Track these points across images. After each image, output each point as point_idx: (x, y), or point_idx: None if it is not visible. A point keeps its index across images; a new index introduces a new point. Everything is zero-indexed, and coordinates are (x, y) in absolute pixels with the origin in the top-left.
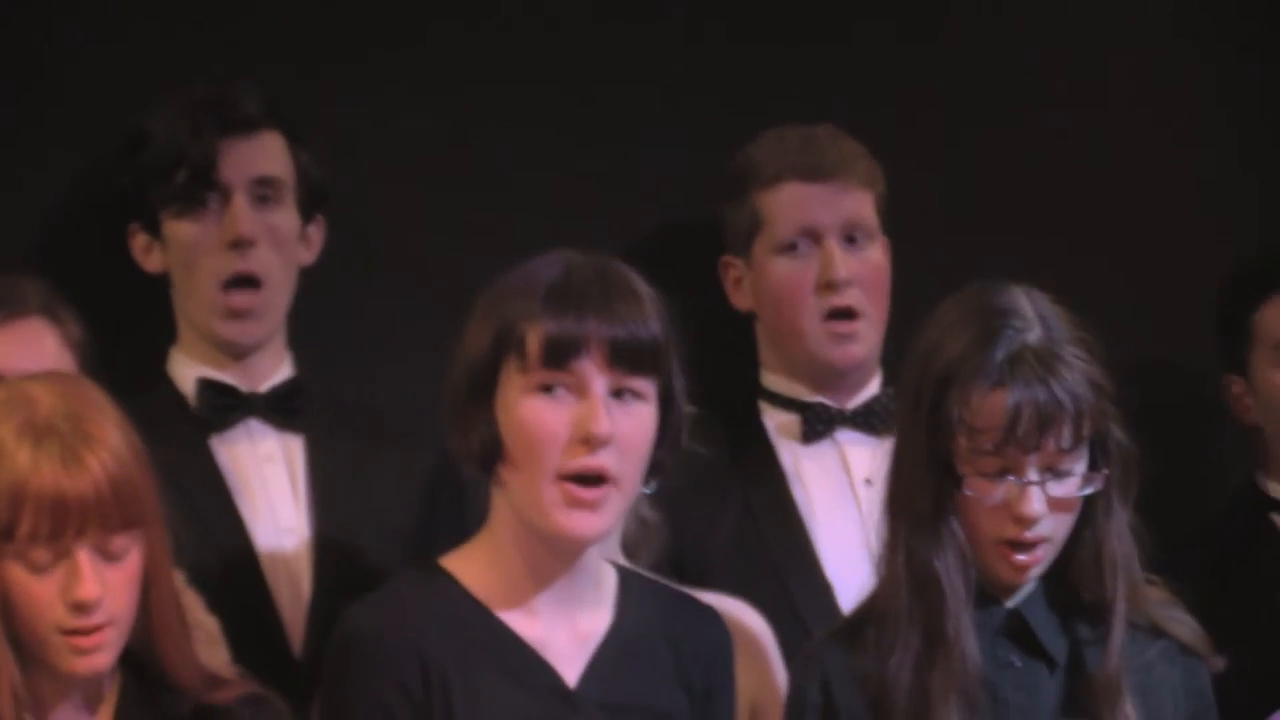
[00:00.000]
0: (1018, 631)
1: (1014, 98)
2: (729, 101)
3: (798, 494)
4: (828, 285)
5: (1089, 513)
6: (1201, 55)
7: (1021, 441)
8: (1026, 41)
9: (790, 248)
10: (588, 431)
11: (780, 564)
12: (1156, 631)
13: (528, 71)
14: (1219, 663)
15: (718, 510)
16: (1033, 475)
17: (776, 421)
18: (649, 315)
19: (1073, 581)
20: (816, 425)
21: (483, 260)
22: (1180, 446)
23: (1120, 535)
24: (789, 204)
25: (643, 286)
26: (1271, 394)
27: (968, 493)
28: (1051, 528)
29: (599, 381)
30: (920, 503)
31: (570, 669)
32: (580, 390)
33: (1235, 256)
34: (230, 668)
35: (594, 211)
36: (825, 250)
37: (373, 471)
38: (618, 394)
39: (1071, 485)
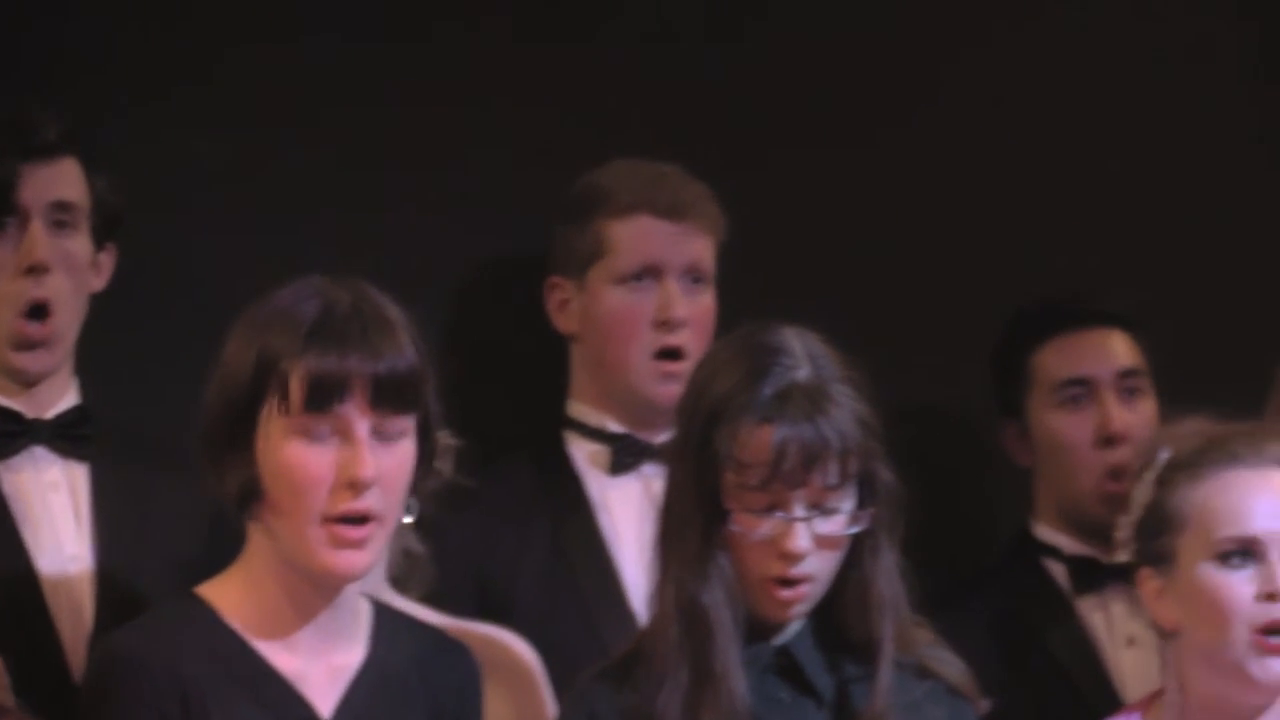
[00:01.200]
0: (786, 669)
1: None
2: (530, 122)
3: (604, 525)
4: (664, 323)
5: (856, 552)
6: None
7: (787, 477)
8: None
9: (632, 279)
10: (353, 476)
11: (586, 594)
12: (924, 672)
13: (318, 94)
14: (985, 704)
15: (525, 539)
16: (799, 511)
17: (584, 451)
18: (405, 346)
19: (840, 620)
20: (625, 457)
21: (272, 286)
22: (956, 490)
23: (888, 576)
24: (639, 237)
25: (396, 314)
26: (1046, 438)
27: (734, 528)
28: (817, 566)
29: (362, 424)
30: (689, 539)
31: (325, 702)
32: (343, 433)
33: (1015, 303)
34: (6, 694)
35: (390, 234)
36: (666, 288)
37: (157, 498)
38: (378, 432)
39: (838, 523)
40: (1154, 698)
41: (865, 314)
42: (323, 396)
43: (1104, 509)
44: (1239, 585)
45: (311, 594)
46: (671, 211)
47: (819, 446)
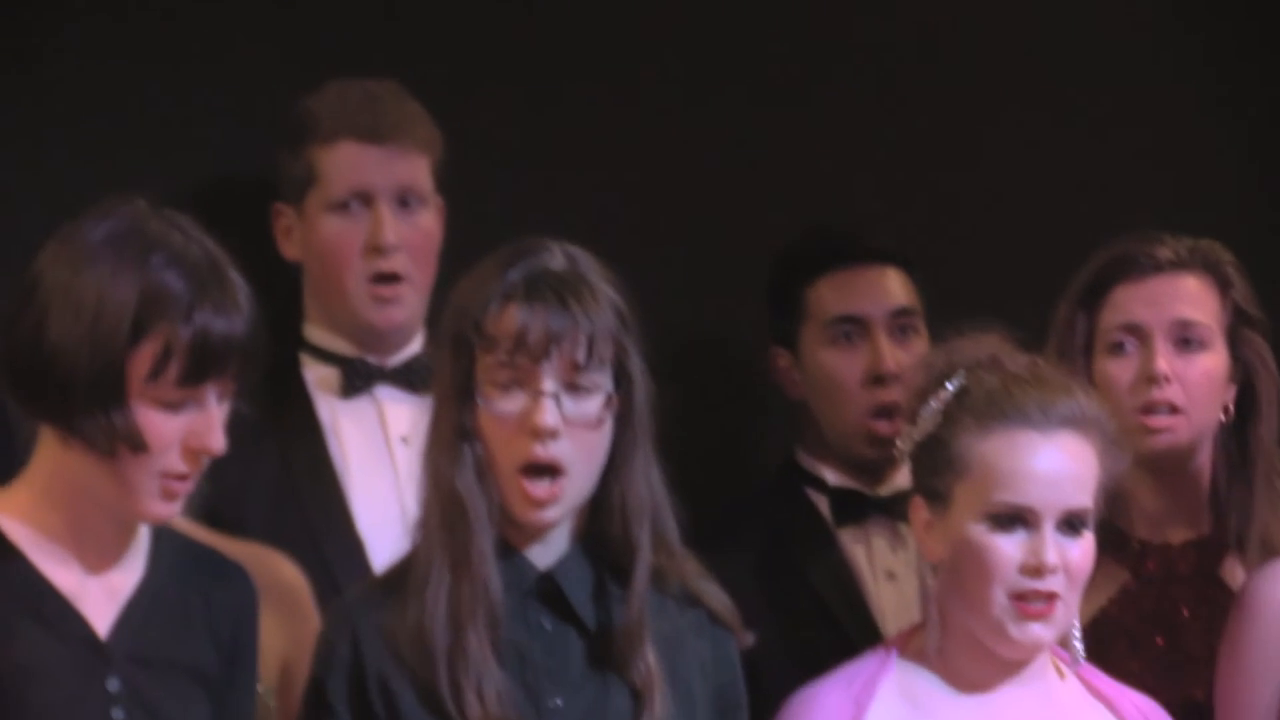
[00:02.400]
0: (549, 594)
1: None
2: (284, 51)
3: (334, 450)
4: (375, 249)
5: (615, 461)
6: None
7: (532, 349)
8: None
9: (342, 206)
10: (203, 444)
11: (313, 519)
12: (689, 601)
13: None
14: (748, 637)
15: (254, 463)
16: (547, 386)
17: (316, 375)
18: None
19: (603, 537)
20: (355, 381)
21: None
22: (728, 419)
23: (647, 480)
24: (344, 164)
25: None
26: (816, 373)
27: (482, 404)
28: (570, 454)
29: (212, 395)
30: (445, 424)
31: (101, 621)
32: (199, 401)
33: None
34: None
35: (143, 157)
36: (375, 213)
37: None
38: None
39: (590, 405)
40: (912, 632)
41: (641, 240)
42: (202, 366)
43: (870, 447)
44: (1006, 549)
45: (93, 514)
46: (375, 135)
47: (567, 323)
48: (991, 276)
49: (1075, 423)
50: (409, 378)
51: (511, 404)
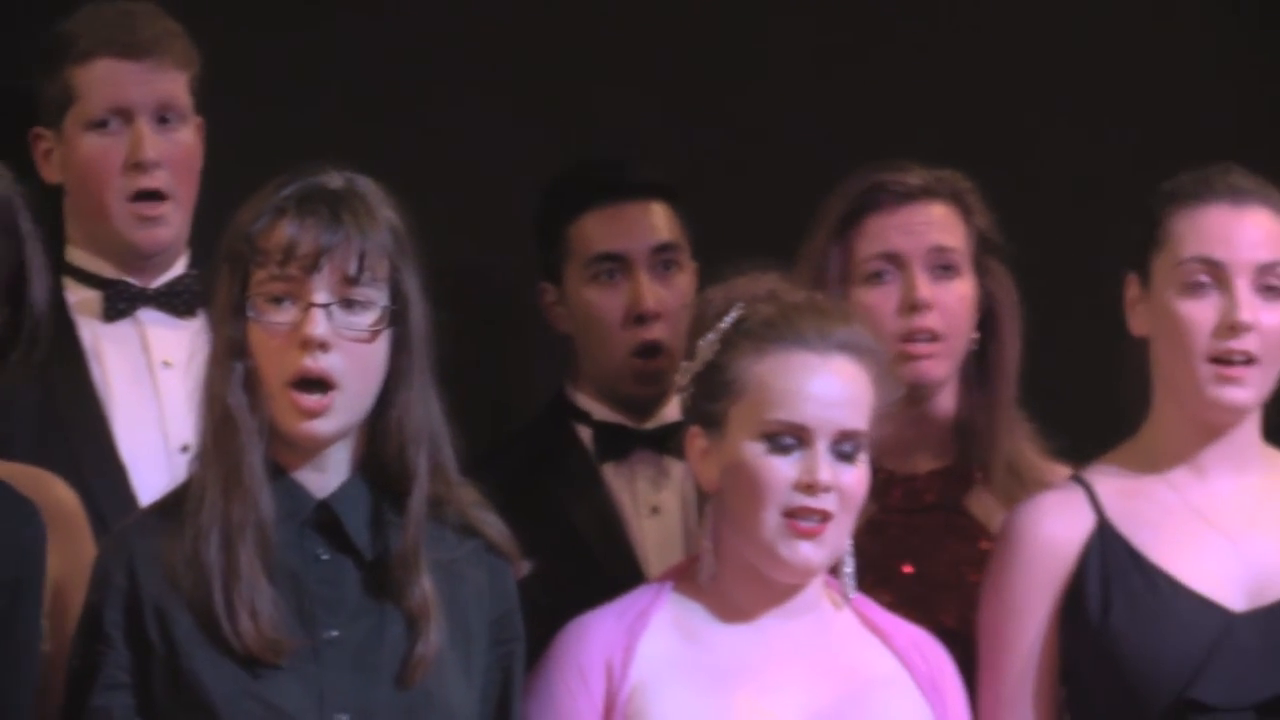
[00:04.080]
0: (325, 524)
1: None
2: None
3: (95, 373)
4: (136, 166)
5: (391, 386)
6: None
7: (303, 260)
8: None
9: (101, 124)
10: None
11: (75, 446)
12: (467, 531)
13: None
14: (525, 566)
15: (15, 387)
16: (318, 298)
17: (78, 298)
18: None
19: (379, 459)
20: (118, 304)
21: None
22: (499, 353)
23: (426, 407)
24: (101, 81)
25: None
26: (582, 306)
27: (252, 316)
28: (342, 369)
29: None
30: (218, 342)
31: None
32: None
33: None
34: None
35: None
36: (135, 130)
37: None
38: None
39: (362, 319)
40: (688, 564)
41: (418, 171)
42: None
43: (635, 384)
44: (780, 468)
45: None
46: (131, 50)
47: (338, 236)
48: (760, 205)
49: (852, 349)
50: (172, 301)
51: (282, 316)
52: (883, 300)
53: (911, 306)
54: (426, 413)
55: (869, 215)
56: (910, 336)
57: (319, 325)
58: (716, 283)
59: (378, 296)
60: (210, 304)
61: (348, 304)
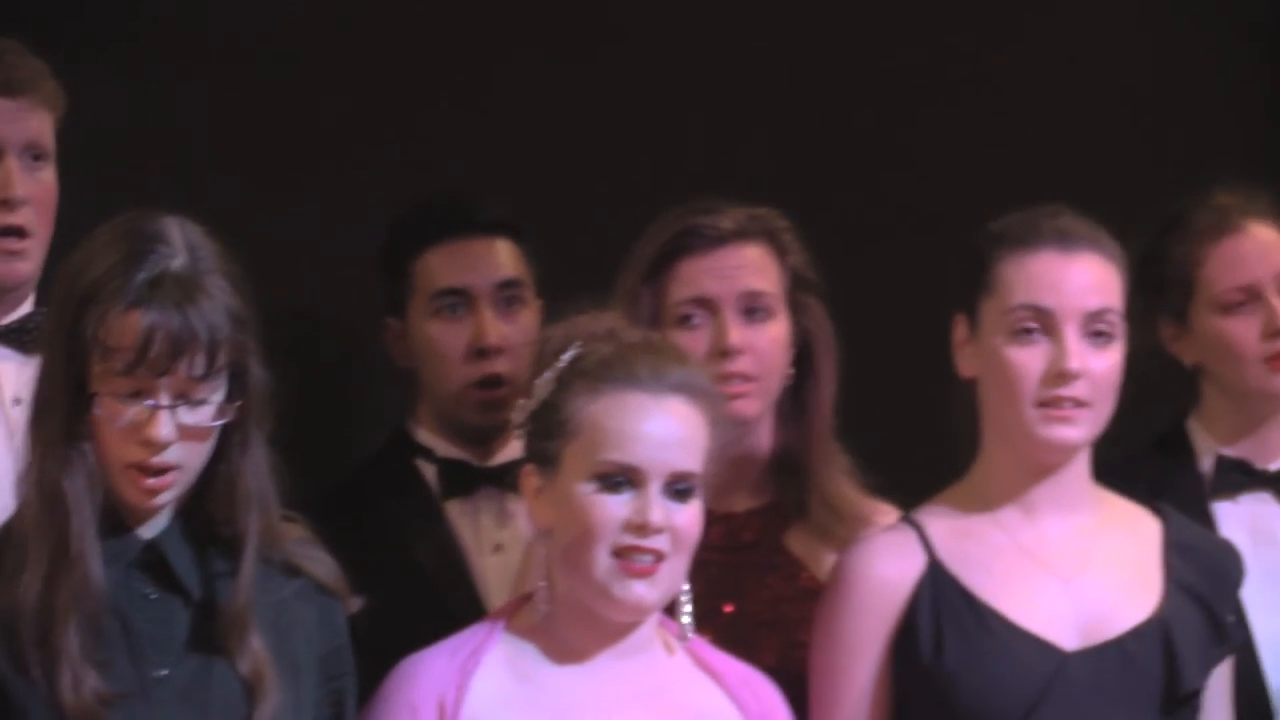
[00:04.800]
0: (153, 564)
1: None
2: None
3: None
4: (3, 203)
5: (225, 445)
6: None
7: (153, 364)
8: None
9: None
10: None
11: None
12: (293, 570)
13: None
14: (356, 602)
15: None
16: (164, 400)
17: None
18: None
19: (209, 514)
20: None
21: None
22: (336, 390)
23: (256, 470)
24: None
25: None
26: (423, 344)
27: (98, 413)
28: (183, 455)
29: None
30: (53, 422)
31: None
32: None
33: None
34: None
35: None
36: (5, 167)
37: None
38: None
39: (205, 414)
40: (520, 603)
41: (258, 207)
42: None
43: (476, 414)
44: (611, 508)
45: None
46: (7, 88)
47: (187, 336)
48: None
49: (686, 390)
50: (21, 338)
51: (128, 414)
52: (693, 344)
53: (722, 352)
54: (258, 476)
55: (681, 259)
56: (722, 380)
57: (164, 429)
58: (558, 321)
59: (220, 385)
60: (42, 375)
61: (190, 400)
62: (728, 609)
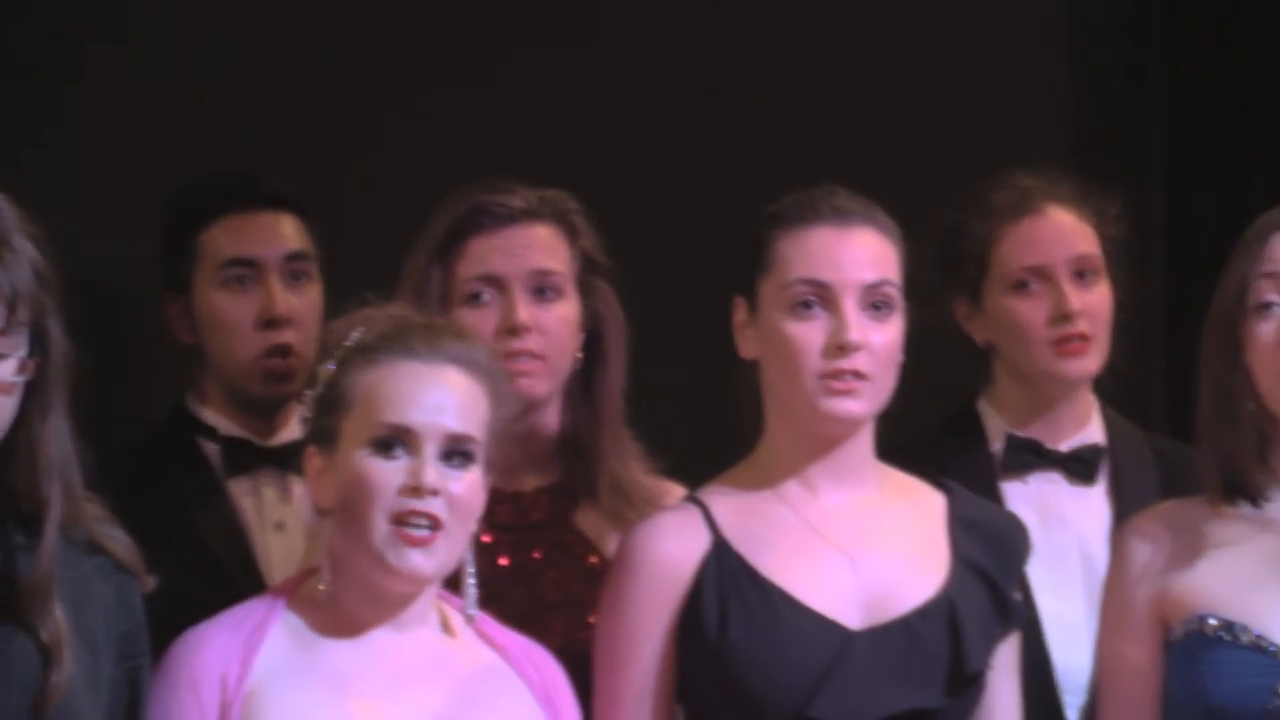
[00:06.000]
0: None
1: None
2: None
3: None
4: None
5: (26, 413)
6: None
7: None
8: None
9: None
10: None
11: None
12: (93, 547)
13: None
14: (151, 581)
15: None
16: None
17: None
18: None
19: (11, 485)
20: None
21: None
22: (123, 365)
23: (57, 439)
24: None
25: None
26: (210, 317)
27: None
28: None
29: None
30: None
31: None
32: None
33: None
34: None
35: None
36: None
37: None
38: None
39: (6, 369)
40: (303, 577)
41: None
42: None
43: (264, 384)
44: (387, 472)
45: None
46: None
47: None
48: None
49: (463, 361)
50: None
51: None
52: (482, 322)
53: (510, 329)
54: (60, 444)
55: (471, 237)
56: (509, 358)
57: None
58: (339, 304)
59: (20, 343)
60: None
61: None
62: (517, 589)
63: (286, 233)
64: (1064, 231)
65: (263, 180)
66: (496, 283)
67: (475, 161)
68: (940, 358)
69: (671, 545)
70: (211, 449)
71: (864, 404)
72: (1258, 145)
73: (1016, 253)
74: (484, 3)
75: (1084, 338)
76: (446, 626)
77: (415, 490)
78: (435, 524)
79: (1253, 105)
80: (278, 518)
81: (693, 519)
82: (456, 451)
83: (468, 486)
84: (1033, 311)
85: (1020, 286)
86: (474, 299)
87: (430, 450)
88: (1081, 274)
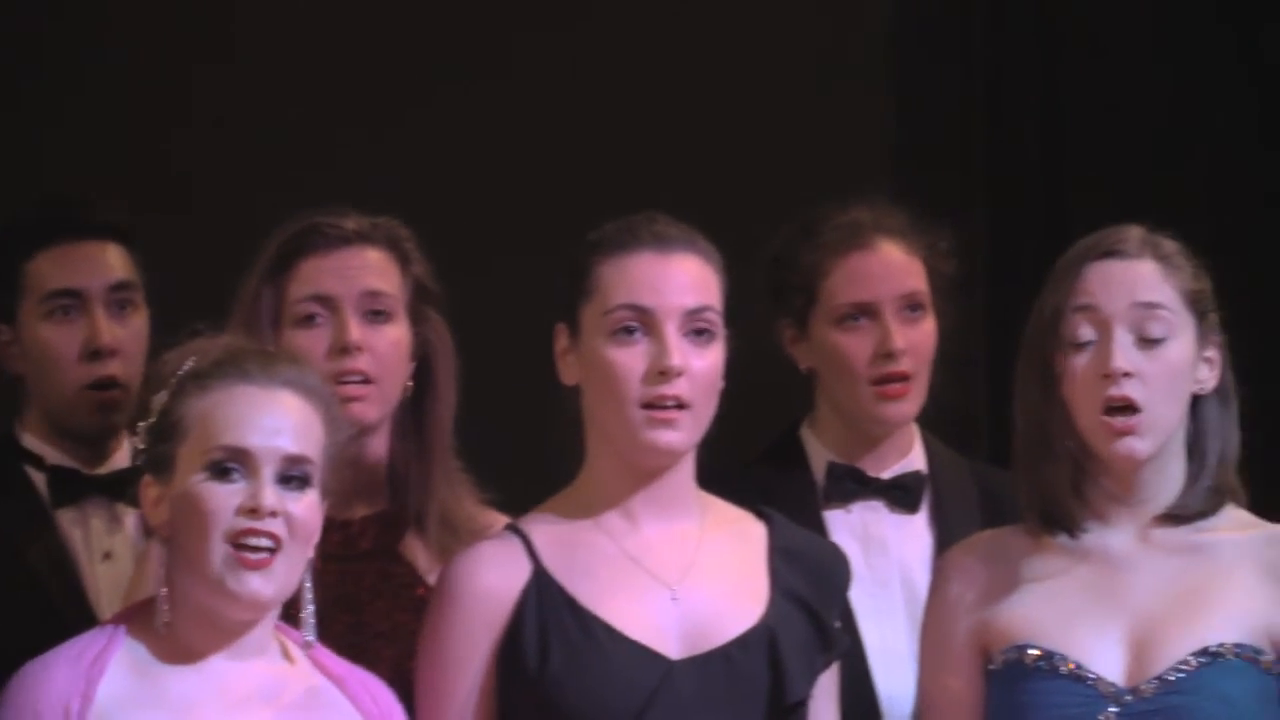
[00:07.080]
0: None
1: None
2: None
3: None
4: None
5: None
6: None
7: None
8: None
9: None
10: None
11: None
12: None
13: None
14: None
15: None
16: None
17: None
18: None
19: None
20: None
21: None
22: None
23: None
24: None
25: None
26: (37, 343)
27: None
28: None
29: None
30: None
31: None
32: None
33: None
34: None
35: None
36: None
37: None
38: None
39: None
40: (139, 608)
41: None
42: None
43: (89, 416)
44: (223, 495)
45: None
46: None
47: None
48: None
49: (297, 385)
50: None
51: None
52: (313, 343)
53: (342, 349)
54: None
55: (303, 258)
56: (340, 378)
57: None
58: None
59: None
60: None
61: None
62: (345, 618)
63: (111, 262)
64: (893, 268)
65: (89, 207)
66: (328, 303)
67: (302, 191)
68: (765, 383)
69: (491, 575)
70: (39, 478)
71: (684, 435)
72: (1079, 165)
73: (845, 287)
74: (304, 26)
75: (905, 377)
76: (286, 656)
77: (254, 511)
78: (276, 544)
79: (1074, 126)
80: (106, 547)
81: (513, 549)
82: (294, 475)
83: (306, 508)
84: (858, 346)
85: (847, 320)
86: (306, 320)
87: (268, 472)
88: (909, 309)
